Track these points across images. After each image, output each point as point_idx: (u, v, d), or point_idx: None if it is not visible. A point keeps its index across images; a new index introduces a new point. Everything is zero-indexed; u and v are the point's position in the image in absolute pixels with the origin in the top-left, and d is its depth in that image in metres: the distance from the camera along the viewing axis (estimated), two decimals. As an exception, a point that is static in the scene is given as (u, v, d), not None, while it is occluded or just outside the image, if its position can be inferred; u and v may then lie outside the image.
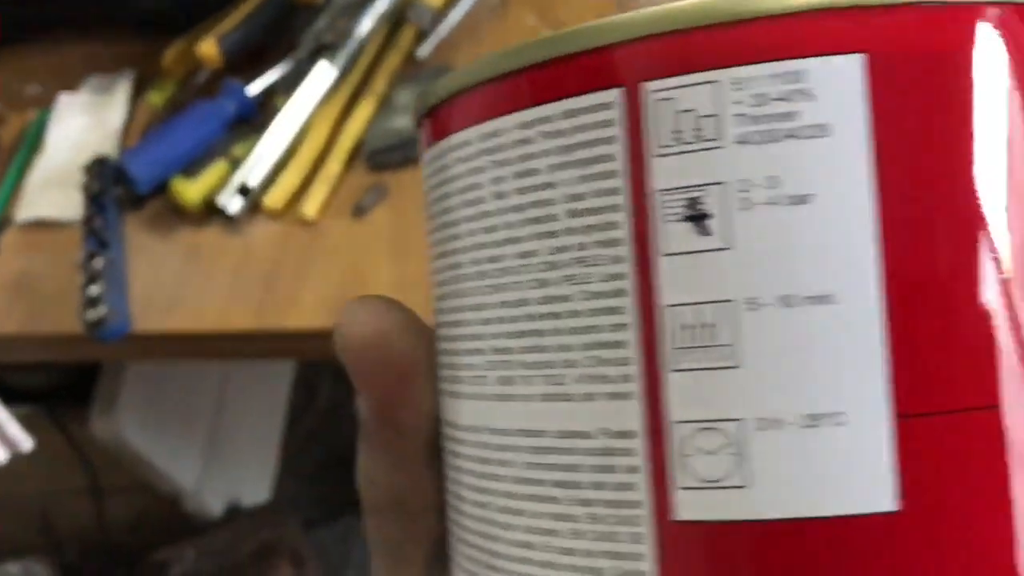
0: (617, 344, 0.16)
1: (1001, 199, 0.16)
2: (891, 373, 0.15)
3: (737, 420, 0.15)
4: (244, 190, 0.57)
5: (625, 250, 0.16)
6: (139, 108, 0.67)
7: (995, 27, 0.16)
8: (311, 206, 0.56)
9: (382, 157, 0.57)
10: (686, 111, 0.16)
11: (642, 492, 0.16)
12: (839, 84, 0.15)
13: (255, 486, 1.00)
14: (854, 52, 0.15)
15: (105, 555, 0.90)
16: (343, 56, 0.60)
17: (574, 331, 0.17)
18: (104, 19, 0.71)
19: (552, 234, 0.17)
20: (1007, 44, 0.16)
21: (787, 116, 0.15)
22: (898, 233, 0.15)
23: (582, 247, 0.16)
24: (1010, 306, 0.16)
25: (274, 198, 0.57)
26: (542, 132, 0.17)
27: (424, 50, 0.61)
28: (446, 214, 0.19)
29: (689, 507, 0.16)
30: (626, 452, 0.16)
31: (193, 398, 0.92)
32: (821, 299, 0.15)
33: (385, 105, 0.59)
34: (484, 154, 0.18)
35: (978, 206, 0.16)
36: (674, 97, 0.16)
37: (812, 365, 0.15)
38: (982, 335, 0.16)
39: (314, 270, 0.54)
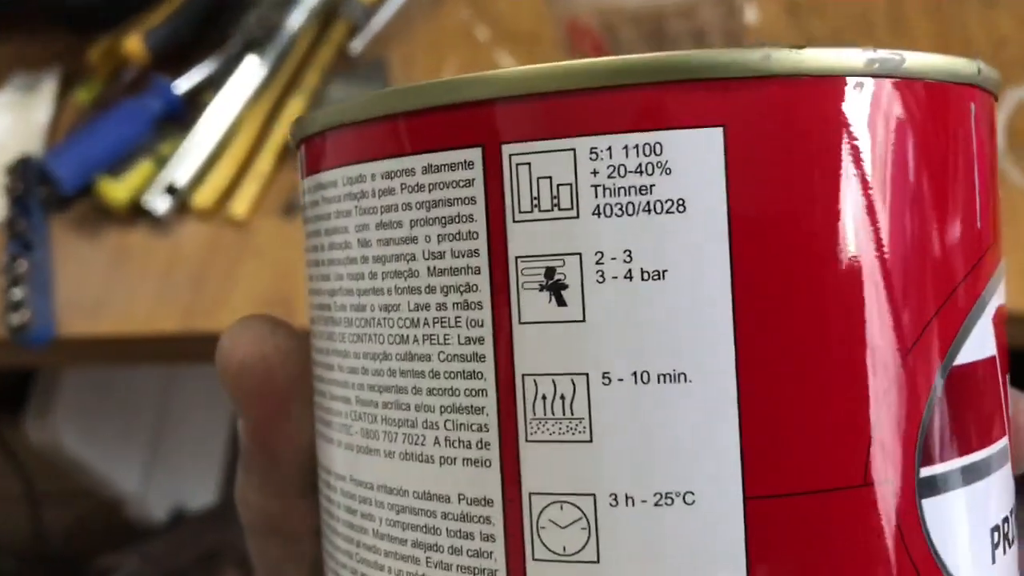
0: (475, 410, 0.16)
1: (857, 275, 0.16)
2: (742, 454, 0.15)
3: (590, 495, 0.15)
4: (171, 190, 0.56)
5: (485, 314, 0.16)
6: (66, 106, 0.65)
7: (854, 101, 0.16)
8: (240, 205, 0.55)
9: (313, 154, 0.56)
10: (544, 177, 0.15)
11: (498, 561, 0.16)
12: (697, 158, 0.15)
13: (201, 490, 0.99)
14: (713, 126, 0.15)
15: (44, 564, 0.88)
16: (273, 51, 0.59)
17: (434, 392, 0.16)
18: (30, 15, 0.69)
19: (414, 290, 0.16)
20: (864, 118, 0.16)
21: (644, 189, 0.15)
22: (753, 313, 0.15)
23: (442, 307, 0.16)
24: (864, 386, 0.16)
25: (202, 197, 0.55)
26: (404, 184, 0.16)
27: (357, 45, 0.60)
28: (318, 251, 0.19)
29: None
30: (483, 520, 0.16)
31: (134, 401, 0.91)
32: (674, 377, 0.15)
33: (317, 101, 0.58)
34: (350, 198, 0.17)
35: (834, 284, 0.15)
36: (532, 162, 0.15)
37: (663, 443, 0.15)
38: (836, 417, 0.15)
39: (244, 270, 0.53)
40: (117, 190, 0.56)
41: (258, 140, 0.57)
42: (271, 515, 0.21)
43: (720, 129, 0.15)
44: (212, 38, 0.61)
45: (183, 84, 0.59)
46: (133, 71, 0.62)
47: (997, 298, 0.18)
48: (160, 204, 0.55)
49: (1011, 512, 0.18)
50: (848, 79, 0.15)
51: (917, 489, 0.16)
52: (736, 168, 0.15)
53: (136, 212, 0.56)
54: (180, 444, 0.95)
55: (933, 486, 0.16)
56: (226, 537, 0.90)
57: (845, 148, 0.15)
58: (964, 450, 0.17)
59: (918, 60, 0.16)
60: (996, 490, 0.18)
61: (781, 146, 0.15)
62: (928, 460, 0.16)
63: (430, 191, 0.16)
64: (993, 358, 0.18)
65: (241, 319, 0.21)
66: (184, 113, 0.59)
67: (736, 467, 0.15)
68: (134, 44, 0.59)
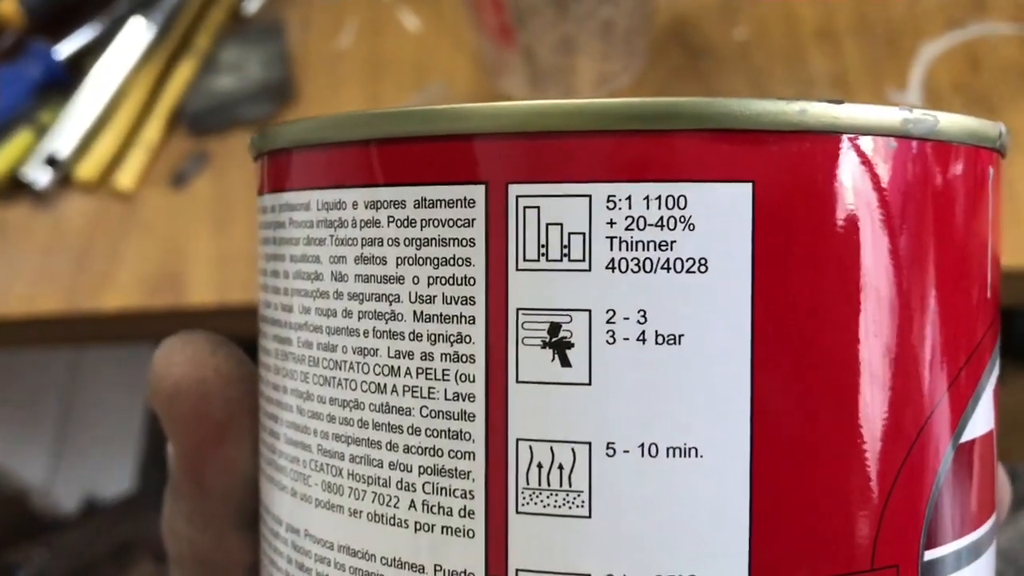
0: (460, 474, 0.15)
1: (880, 348, 0.14)
2: (751, 537, 0.14)
3: (585, 575, 0.14)
4: (52, 161, 0.52)
5: (477, 369, 0.14)
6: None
7: (888, 161, 0.14)
8: (127, 176, 0.51)
9: (205, 120, 0.53)
10: (555, 223, 0.14)
11: None
12: (724, 214, 0.14)
13: (114, 479, 0.95)
14: (743, 180, 0.14)
15: (-55, 561, 0.84)
16: (161, 13, 0.55)
17: (412, 450, 0.15)
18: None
19: (396, 334, 0.15)
20: (896, 180, 0.15)
21: (664, 245, 0.14)
22: (772, 385, 0.14)
23: (428, 357, 0.14)
24: (880, 468, 0.15)
25: (86, 169, 0.52)
26: (392, 217, 0.15)
27: (251, 6, 0.57)
28: (279, 277, 0.17)
29: None
30: None
31: (38, 387, 0.87)
32: (685, 451, 0.14)
33: (208, 64, 0.55)
34: (325, 225, 0.15)
35: (856, 357, 0.14)
36: (542, 206, 0.14)
37: (669, 522, 0.14)
38: (850, 499, 0.15)
39: (130, 246, 0.50)
40: (-7, 163, 0.52)
41: (145, 107, 0.54)
42: (200, 548, 0.19)
43: (749, 185, 0.14)
44: (97, 0, 0.57)
45: (64, 49, 0.56)
46: (9, 36, 0.58)
47: (998, 367, 0.17)
48: (40, 177, 0.52)
49: None
50: (881, 138, 0.15)
51: (920, 574, 0.15)
52: (763, 228, 0.14)
53: (14, 185, 0.53)
54: (90, 431, 0.92)
55: (934, 571, 0.16)
56: (141, 528, 0.87)
57: (875, 211, 0.14)
58: (965, 530, 0.16)
59: (949, 121, 0.15)
60: (986, 571, 0.17)
61: (812, 206, 0.14)
62: (932, 543, 0.15)
63: (422, 228, 0.15)
64: (992, 432, 0.17)
65: (179, 335, 0.19)
66: (66, 80, 0.55)
67: (744, 550, 0.14)
68: (8, 7, 0.56)
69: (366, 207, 0.15)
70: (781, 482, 0.14)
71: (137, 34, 0.55)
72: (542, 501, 0.14)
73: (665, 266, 0.14)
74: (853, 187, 0.14)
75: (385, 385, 0.15)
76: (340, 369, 0.15)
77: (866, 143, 0.14)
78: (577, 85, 0.50)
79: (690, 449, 0.14)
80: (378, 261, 0.15)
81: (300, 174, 0.16)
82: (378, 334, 0.15)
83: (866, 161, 0.14)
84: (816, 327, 0.14)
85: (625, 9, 0.48)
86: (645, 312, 0.14)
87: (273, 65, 0.54)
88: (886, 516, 0.15)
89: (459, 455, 0.15)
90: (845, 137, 0.14)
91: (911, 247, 0.15)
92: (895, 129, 0.15)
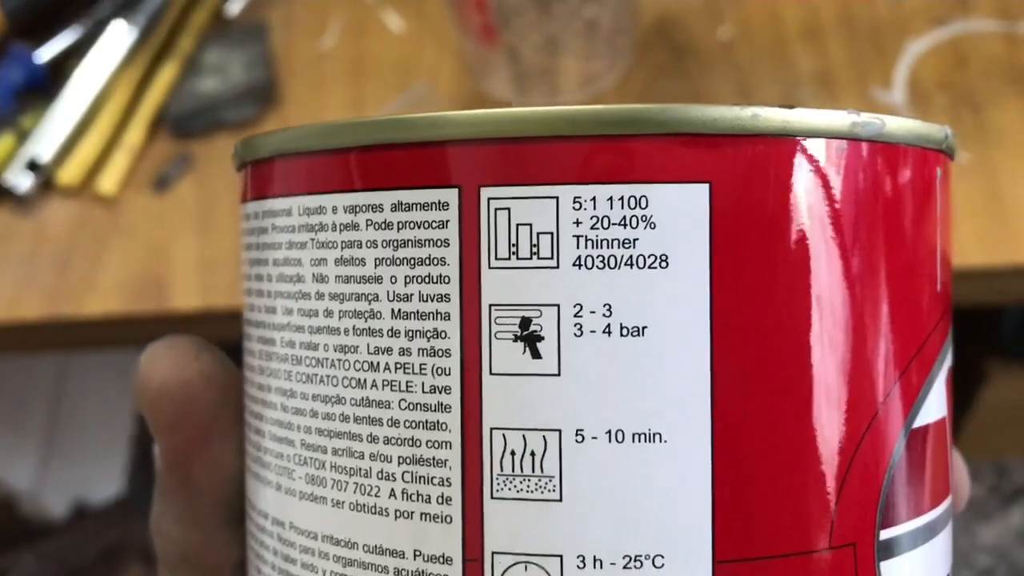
0: (438, 462, 0.15)
1: (833, 339, 0.15)
2: (713, 517, 0.15)
3: (556, 556, 0.15)
4: (34, 166, 0.52)
5: (453, 363, 0.15)
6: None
7: (836, 162, 0.15)
8: (109, 181, 0.51)
9: (187, 123, 0.52)
10: (524, 224, 0.15)
11: None
12: (682, 213, 0.15)
13: (103, 482, 0.95)
14: (699, 181, 0.15)
15: (-68, 568, 0.83)
16: (143, 15, 0.55)
17: (392, 441, 0.16)
18: None
19: (375, 332, 0.15)
20: (845, 180, 0.15)
21: (627, 243, 0.15)
22: (729, 374, 0.15)
23: (406, 352, 0.15)
24: (836, 451, 0.15)
25: (68, 173, 0.52)
26: (370, 220, 0.15)
27: (234, 7, 0.57)
28: (262, 281, 0.17)
29: None
30: None
31: (25, 391, 0.86)
32: (649, 437, 0.15)
33: (191, 66, 0.55)
34: (306, 229, 0.16)
35: (810, 347, 0.15)
36: (512, 207, 0.15)
37: (635, 504, 0.15)
38: (807, 482, 0.15)
39: (113, 251, 0.50)
40: (-26, 168, 0.52)
41: (128, 111, 0.54)
42: (189, 546, 0.20)
43: (706, 185, 0.15)
44: (77, 2, 0.57)
45: (46, 52, 0.55)
46: (-9, 39, 0.57)
47: (950, 358, 0.18)
48: (22, 182, 0.51)
49: (952, 569, 0.19)
50: (831, 141, 0.16)
51: (876, 552, 0.16)
52: (720, 225, 0.15)
53: (-4, 191, 0.52)
54: (78, 435, 0.91)
55: (890, 549, 0.16)
56: (130, 531, 0.86)
57: (825, 210, 0.15)
58: (920, 511, 0.17)
59: (896, 124, 0.16)
60: (941, 552, 0.18)
61: (765, 205, 0.15)
62: (887, 523, 0.16)
63: (399, 230, 0.15)
64: (945, 419, 0.18)
65: (164, 339, 0.19)
66: (47, 83, 0.55)
67: (707, 530, 0.15)
68: (-11, 9, 0.55)
69: (345, 211, 0.16)
70: (741, 466, 0.15)
71: (119, 37, 0.55)
72: (516, 486, 0.15)
73: (628, 262, 0.15)
74: (805, 187, 0.15)
75: (365, 380, 0.16)
76: (321, 366, 0.16)
77: (817, 145, 0.15)
78: (562, 85, 0.50)
79: (654, 435, 0.15)
80: (357, 262, 0.16)
81: (282, 182, 0.17)
82: (358, 332, 0.16)
83: (816, 162, 0.15)
84: (771, 318, 0.15)
85: (609, 9, 0.48)
86: (610, 306, 0.15)
87: (256, 67, 0.53)
88: (842, 497, 0.15)
89: (436, 445, 0.15)
90: (797, 140, 0.15)
91: (861, 242, 0.16)
92: (844, 132, 0.16)
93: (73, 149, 0.53)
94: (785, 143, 0.15)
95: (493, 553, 0.15)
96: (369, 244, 0.15)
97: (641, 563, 0.15)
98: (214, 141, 0.52)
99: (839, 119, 0.16)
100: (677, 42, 0.53)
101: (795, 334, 0.15)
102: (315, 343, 0.16)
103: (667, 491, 0.15)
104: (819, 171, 0.15)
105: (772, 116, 0.15)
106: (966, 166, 0.45)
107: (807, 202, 0.15)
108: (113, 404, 1.00)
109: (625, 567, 0.15)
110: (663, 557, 0.15)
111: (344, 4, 0.57)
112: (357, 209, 0.16)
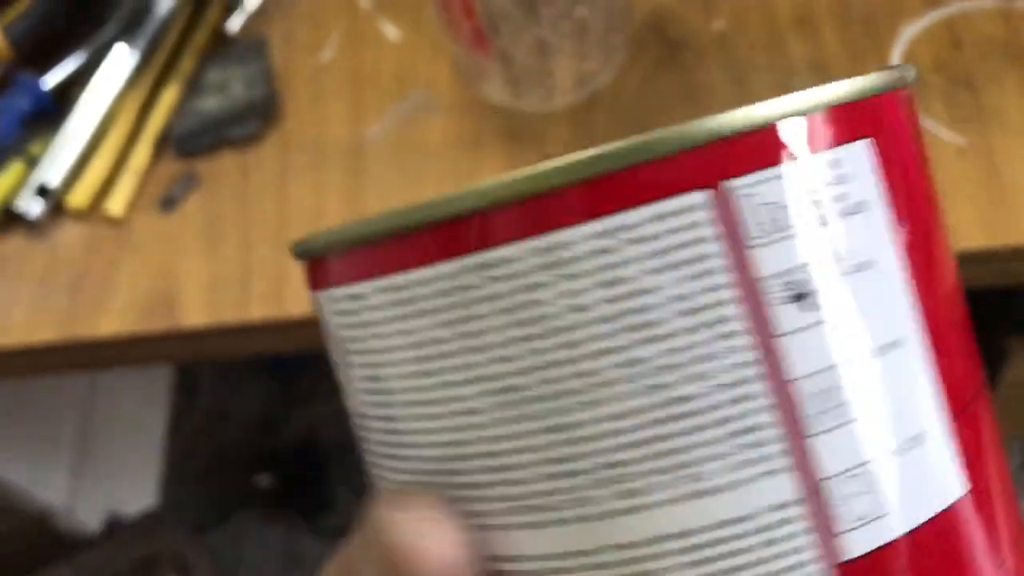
0: (756, 427, 0.17)
1: (947, 249, 0.20)
2: (942, 387, 0.18)
3: (865, 463, 0.17)
4: (44, 191, 0.53)
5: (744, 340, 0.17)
6: (-63, 110, 0.62)
7: (911, 102, 0.20)
8: (117, 202, 0.52)
9: (192, 142, 0.53)
10: (767, 204, 0.17)
11: (810, 551, 0.17)
12: (867, 166, 0.18)
13: (137, 496, 0.96)
14: (864, 138, 0.18)
15: (-28, 586, 0.85)
16: (144, 37, 0.56)
17: (704, 428, 0.17)
18: None
19: (657, 339, 0.17)
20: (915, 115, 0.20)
21: (840, 197, 0.18)
22: (920, 281, 0.19)
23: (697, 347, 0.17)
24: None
25: (77, 197, 0.53)
26: (628, 238, 0.17)
27: (234, 24, 0.57)
28: (536, 324, 0.18)
29: (855, 545, 0.17)
30: (785, 522, 0.17)
31: (56, 410, 0.88)
32: (895, 344, 0.18)
33: (193, 86, 0.55)
34: (545, 268, 0.18)
35: (950, 254, 0.20)
36: (756, 192, 0.17)
37: (901, 400, 0.18)
38: (970, 347, 0.20)
39: (123, 271, 0.50)
40: (-13, 196, 0.53)
41: (133, 133, 0.54)
42: None
43: (870, 140, 0.18)
44: (79, 28, 0.58)
45: (51, 79, 0.56)
46: (-2, 68, 0.59)
47: None
48: (33, 207, 0.53)
49: None
50: (908, 89, 0.20)
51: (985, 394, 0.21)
52: (886, 170, 0.18)
53: (8, 218, 0.53)
54: (111, 451, 0.93)
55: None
56: (163, 542, 0.88)
57: (918, 145, 0.20)
58: None
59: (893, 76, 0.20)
60: None
61: (908, 152, 0.19)
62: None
63: (664, 245, 0.17)
64: None
65: (410, 502, 0.18)
66: (54, 109, 0.56)
67: (942, 399, 0.18)
68: (-6, 40, 0.56)
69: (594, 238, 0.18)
70: (942, 348, 0.19)
71: (122, 60, 0.55)
72: (824, 421, 0.17)
73: (845, 212, 0.18)
74: (915, 128, 0.20)
75: (664, 383, 0.17)
76: (605, 387, 0.17)
77: (905, 95, 0.20)
78: (556, 86, 0.50)
79: (895, 342, 0.18)
80: (640, 292, 0.18)
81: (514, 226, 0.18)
82: (642, 341, 0.17)
83: (911, 107, 0.20)
84: (929, 241, 0.19)
85: (600, 8, 0.48)
86: (850, 250, 0.18)
87: (257, 83, 0.54)
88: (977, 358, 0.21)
89: (749, 413, 0.17)
90: (897, 90, 0.19)
91: (928, 167, 0.20)
92: (910, 81, 0.20)
93: (81, 173, 0.53)
94: (900, 93, 0.19)
95: (821, 480, 0.17)
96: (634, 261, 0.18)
97: (913, 443, 0.18)
98: (219, 159, 0.53)
99: (907, 71, 0.20)
100: (672, 36, 0.53)
101: (943, 247, 0.19)
102: (594, 369, 0.17)
103: (914, 382, 0.18)
104: (912, 114, 0.20)
105: (887, 75, 0.19)
106: (964, 148, 0.45)
107: (917, 138, 0.19)
108: (143, 416, 1.01)
109: (904, 450, 0.18)
110: (925, 432, 0.18)
111: (342, 15, 0.57)
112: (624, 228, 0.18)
